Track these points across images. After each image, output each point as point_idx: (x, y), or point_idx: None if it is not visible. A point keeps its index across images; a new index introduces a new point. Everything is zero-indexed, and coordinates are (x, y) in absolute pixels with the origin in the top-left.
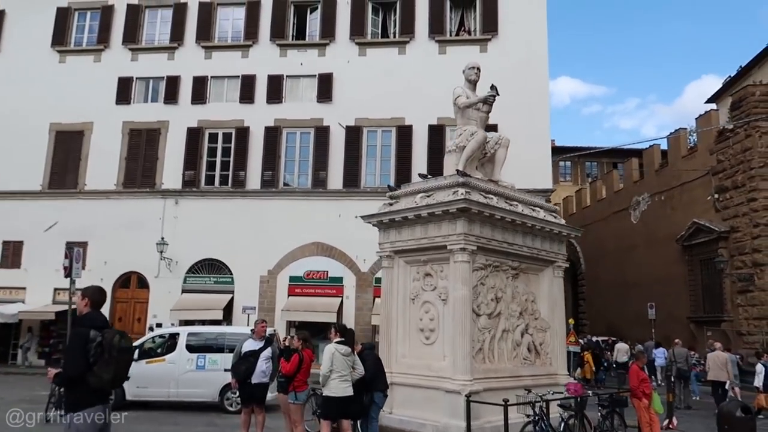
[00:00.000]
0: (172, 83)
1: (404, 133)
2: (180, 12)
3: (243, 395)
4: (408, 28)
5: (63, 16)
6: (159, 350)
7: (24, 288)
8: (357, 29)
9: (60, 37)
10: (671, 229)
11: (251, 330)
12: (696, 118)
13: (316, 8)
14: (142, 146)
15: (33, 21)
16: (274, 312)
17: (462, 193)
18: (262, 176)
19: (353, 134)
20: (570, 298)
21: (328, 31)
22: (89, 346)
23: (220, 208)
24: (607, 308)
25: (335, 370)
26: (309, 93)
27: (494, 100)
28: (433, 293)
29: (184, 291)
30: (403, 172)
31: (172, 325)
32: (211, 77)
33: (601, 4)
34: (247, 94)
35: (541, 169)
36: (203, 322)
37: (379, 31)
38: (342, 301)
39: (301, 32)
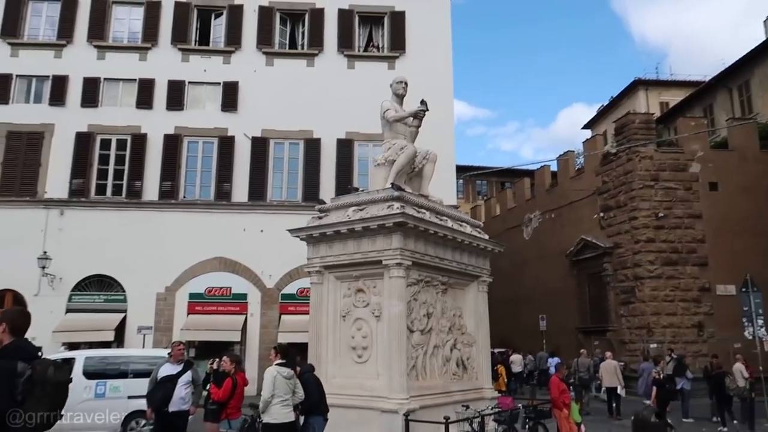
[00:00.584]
0: (59, 83)
1: (312, 146)
2: (69, 7)
3: (160, 426)
4: (317, 41)
5: None
6: None
7: None
8: (264, 38)
9: None
10: (561, 245)
11: (168, 353)
12: (583, 142)
13: (221, 14)
14: (22, 151)
15: None
16: (171, 331)
17: (398, 207)
18: (160, 187)
19: (260, 146)
20: None
21: (234, 38)
22: (16, 381)
23: (112, 220)
24: (500, 321)
25: (276, 395)
26: (213, 101)
27: (424, 114)
28: (365, 310)
29: (69, 311)
30: (311, 186)
31: (64, 348)
32: (105, 79)
33: (488, 27)
34: (144, 99)
35: (446, 186)
36: (91, 345)
37: (287, 42)
38: (246, 319)
39: (204, 38)
